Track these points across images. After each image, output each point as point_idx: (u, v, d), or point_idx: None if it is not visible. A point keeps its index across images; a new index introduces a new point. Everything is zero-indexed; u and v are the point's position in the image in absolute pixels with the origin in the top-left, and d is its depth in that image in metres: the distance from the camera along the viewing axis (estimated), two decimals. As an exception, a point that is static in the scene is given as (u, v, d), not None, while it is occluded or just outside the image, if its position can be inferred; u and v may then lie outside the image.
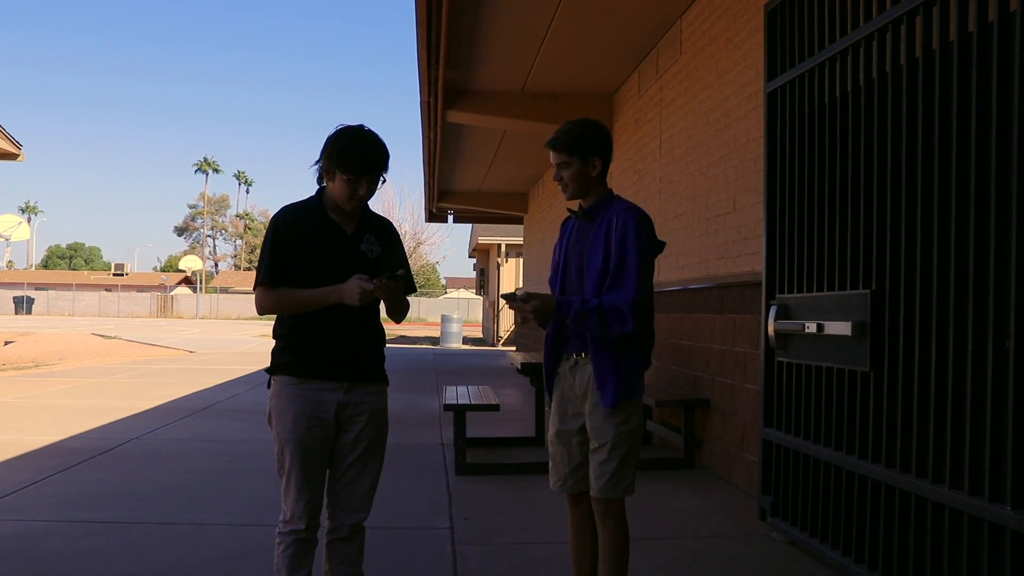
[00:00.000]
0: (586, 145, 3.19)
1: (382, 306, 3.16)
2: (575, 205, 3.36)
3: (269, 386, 3.10)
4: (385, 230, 3.18)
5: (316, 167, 3.04)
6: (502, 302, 28.48)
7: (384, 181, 3.05)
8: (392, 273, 2.92)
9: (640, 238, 3.09)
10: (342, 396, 3.02)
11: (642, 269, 3.08)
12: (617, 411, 3.12)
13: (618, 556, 3.17)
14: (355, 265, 3.00)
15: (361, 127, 3.01)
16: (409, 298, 3.29)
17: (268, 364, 3.10)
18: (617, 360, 3.10)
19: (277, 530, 3.06)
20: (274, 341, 3.11)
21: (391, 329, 33.26)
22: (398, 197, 63.09)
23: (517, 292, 3.15)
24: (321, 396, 3.00)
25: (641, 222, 3.13)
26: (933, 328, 3.33)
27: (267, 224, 3.19)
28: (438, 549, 4.47)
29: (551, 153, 3.23)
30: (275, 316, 3.10)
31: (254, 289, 3.07)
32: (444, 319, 28.55)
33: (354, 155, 2.93)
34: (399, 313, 3.16)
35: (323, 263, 3.00)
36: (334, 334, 3.00)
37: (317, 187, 3.11)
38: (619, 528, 3.18)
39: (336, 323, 2.99)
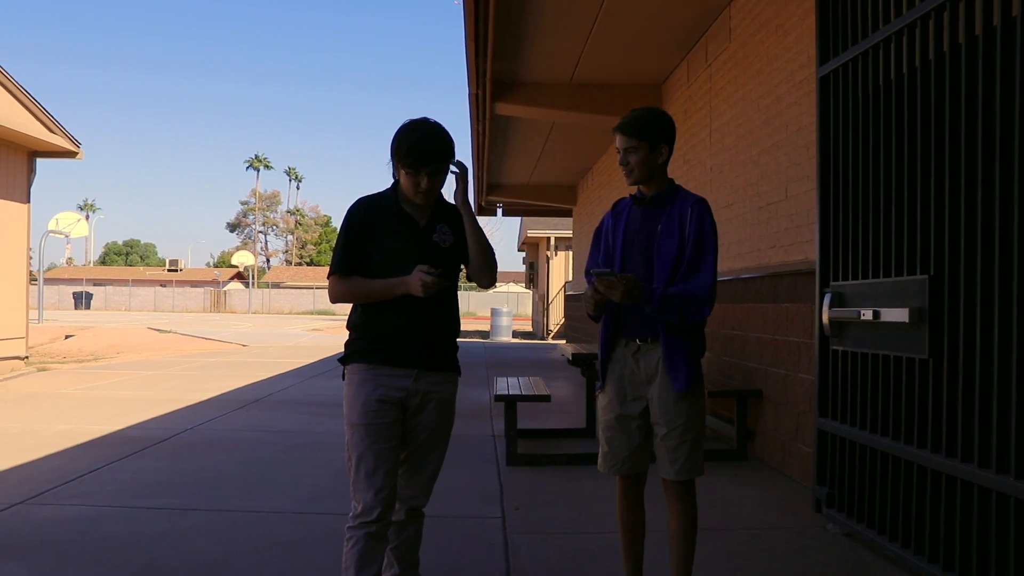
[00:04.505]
0: (655, 132, 3.26)
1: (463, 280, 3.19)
2: (631, 192, 3.41)
3: (344, 378, 3.12)
4: (459, 218, 3.17)
5: (390, 163, 3.06)
6: (553, 293, 28.45)
7: (456, 171, 3.06)
8: (444, 269, 2.95)
9: (713, 230, 3.23)
10: (411, 383, 3.03)
11: (715, 259, 3.21)
12: (686, 394, 3.20)
13: (692, 534, 3.28)
14: (428, 255, 3.01)
15: (423, 120, 3.01)
16: (459, 292, 3.29)
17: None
18: (687, 345, 3.21)
19: (346, 526, 2.99)
20: (348, 332, 3.14)
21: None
22: (447, 190, 63.39)
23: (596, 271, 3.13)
24: (391, 381, 3.01)
25: (712, 214, 3.28)
26: (995, 313, 3.24)
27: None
28: (490, 538, 4.47)
29: (618, 137, 3.29)
30: (347, 308, 3.14)
31: (327, 278, 3.13)
32: (494, 312, 28.60)
33: (410, 148, 2.94)
34: (486, 280, 3.16)
35: (395, 254, 3.02)
36: (405, 323, 3.02)
37: (392, 180, 3.13)
38: (693, 508, 3.29)
39: (407, 313, 3.00)
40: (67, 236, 32.65)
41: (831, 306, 4.45)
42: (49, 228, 31.99)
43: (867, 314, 4.07)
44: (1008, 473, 3.17)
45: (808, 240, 5.58)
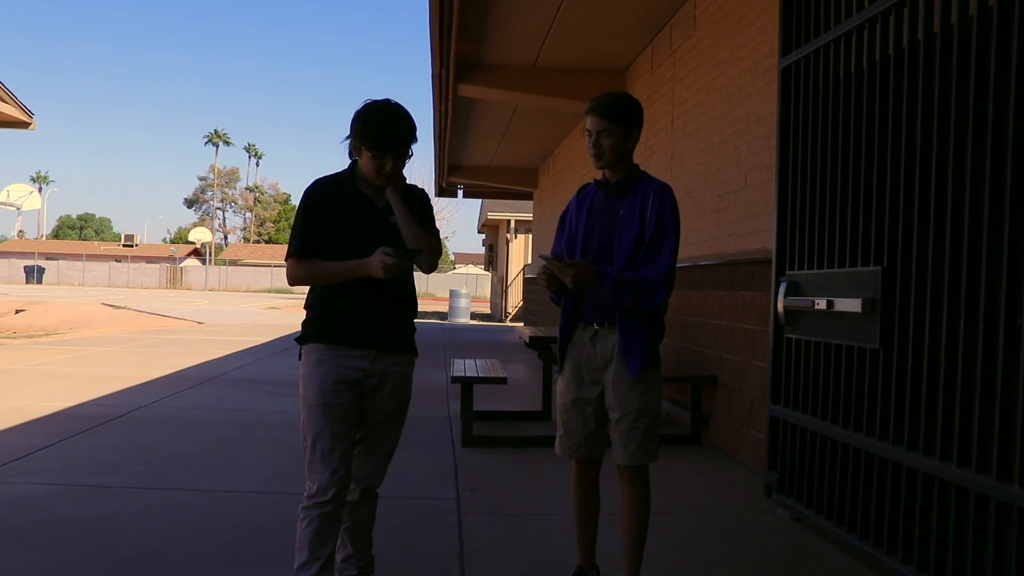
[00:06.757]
0: (630, 116, 3.28)
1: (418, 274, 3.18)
2: (596, 178, 3.42)
3: (300, 358, 3.10)
4: (416, 200, 3.17)
5: (347, 142, 3.05)
6: (512, 276, 28.48)
7: (412, 155, 3.06)
8: (406, 251, 2.94)
9: (675, 216, 3.23)
10: (369, 364, 3.03)
11: (675, 245, 3.21)
12: (641, 379, 3.21)
13: (644, 518, 3.30)
14: (385, 237, 3.00)
15: (387, 102, 3.00)
16: (416, 273, 3.29)
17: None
18: (643, 330, 3.21)
19: (301, 506, 2.99)
20: (305, 312, 3.13)
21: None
22: (407, 170, 63.31)
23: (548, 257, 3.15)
24: (348, 361, 3.01)
25: (674, 201, 3.27)
26: (944, 305, 3.32)
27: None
28: (444, 519, 4.49)
29: (591, 119, 3.27)
30: (305, 288, 3.12)
31: (285, 260, 3.10)
32: (452, 294, 28.58)
33: (378, 132, 2.93)
34: (425, 266, 3.16)
35: (353, 235, 3.01)
36: (363, 305, 3.02)
37: (349, 160, 3.11)
38: (646, 493, 3.30)
39: (365, 294, 3.00)
40: (18, 208, 32.09)
41: (786, 295, 4.51)
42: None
43: (821, 303, 4.14)
44: (950, 461, 3.25)
45: (766, 229, 5.64)
